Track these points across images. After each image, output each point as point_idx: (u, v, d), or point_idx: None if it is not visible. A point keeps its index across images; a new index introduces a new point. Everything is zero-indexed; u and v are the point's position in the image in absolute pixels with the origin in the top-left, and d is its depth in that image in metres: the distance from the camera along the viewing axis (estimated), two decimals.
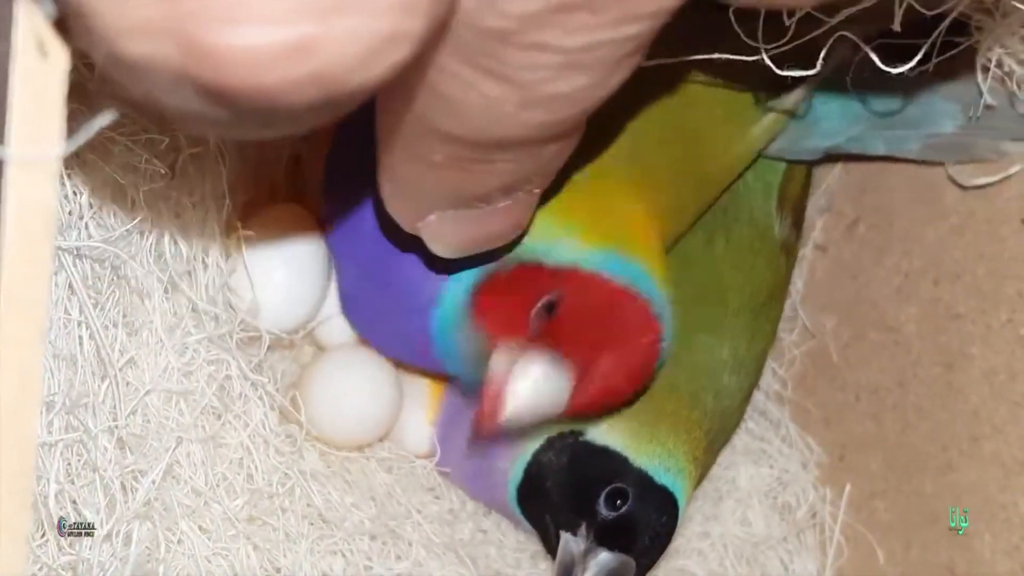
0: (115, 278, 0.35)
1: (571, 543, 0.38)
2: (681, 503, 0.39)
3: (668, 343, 0.36)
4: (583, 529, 0.38)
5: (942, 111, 0.42)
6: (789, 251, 0.45)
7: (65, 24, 0.21)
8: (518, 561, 0.44)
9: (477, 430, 0.34)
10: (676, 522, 0.39)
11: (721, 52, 0.32)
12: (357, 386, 0.41)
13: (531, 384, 0.33)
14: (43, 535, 0.34)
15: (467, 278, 0.35)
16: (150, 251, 0.35)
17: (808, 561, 0.47)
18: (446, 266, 0.35)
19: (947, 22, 0.32)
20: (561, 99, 0.23)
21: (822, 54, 0.31)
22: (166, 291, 0.36)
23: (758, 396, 0.50)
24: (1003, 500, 0.41)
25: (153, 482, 0.35)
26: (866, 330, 0.48)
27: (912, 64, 0.32)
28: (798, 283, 0.51)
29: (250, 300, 0.38)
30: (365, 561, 0.40)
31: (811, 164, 0.47)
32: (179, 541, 0.36)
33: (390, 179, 0.28)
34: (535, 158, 0.26)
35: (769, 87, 0.40)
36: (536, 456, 0.39)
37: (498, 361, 0.34)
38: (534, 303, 0.34)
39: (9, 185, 0.21)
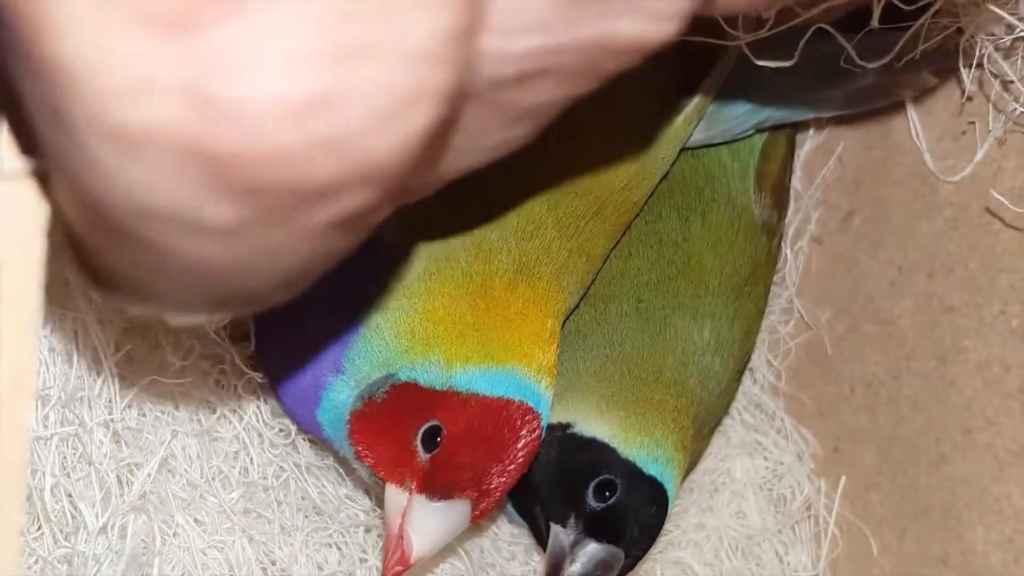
0: None
1: (561, 535, 0.39)
2: (670, 493, 0.39)
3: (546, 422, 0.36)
4: (572, 521, 0.38)
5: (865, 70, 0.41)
6: (771, 231, 0.45)
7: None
8: (512, 554, 0.44)
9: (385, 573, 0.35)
10: (665, 512, 0.39)
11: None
12: None
13: (430, 530, 0.34)
14: (39, 528, 0.34)
15: (341, 403, 0.35)
16: None
17: (803, 553, 0.48)
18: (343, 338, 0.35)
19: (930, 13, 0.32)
20: (495, 148, 0.23)
21: (800, 44, 0.31)
22: None
23: (753, 388, 0.50)
24: (996, 492, 0.41)
25: (148, 475, 0.35)
26: (861, 323, 0.48)
27: (890, 57, 0.32)
28: (793, 275, 0.51)
29: None
30: (360, 553, 0.40)
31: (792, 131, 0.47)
32: (175, 534, 0.36)
33: None
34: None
35: (670, 94, 0.40)
36: None
37: (391, 509, 0.35)
38: (413, 429, 0.35)
39: (1, 183, 0.21)
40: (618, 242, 0.40)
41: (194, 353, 0.37)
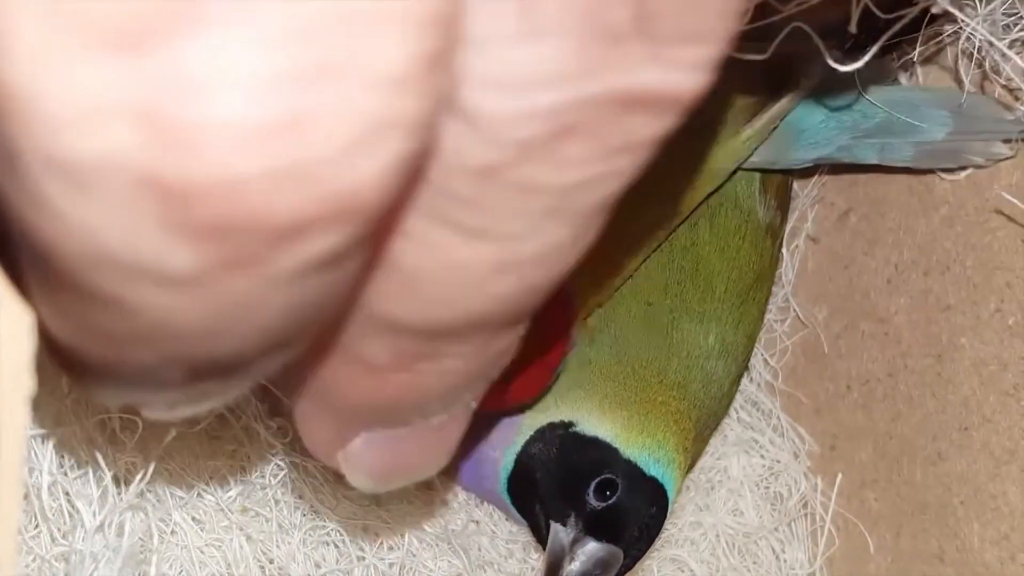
0: None
1: (560, 533, 0.39)
2: (671, 494, 0.39)
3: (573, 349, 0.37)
4: (572, 519, 0.39)
5: (930, 118, 0.42)
6: (774, 234, 0.45)
7: None
8: (510, 551, 0.44)
9: None
10: (665, 513, 0.39)
11: None
12: None
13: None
14: (36, 526, 0.34)
15: None
16: None
17: (799, 550, 0.48)
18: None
19: (914, 13, 0.32)
20: (537, 260, 0.20)
21: (776, 41, 0.31)
22: None
23: (749, 387, 0.50)
24: (993, 490, 0.41)
25: (146, 473, 0.35)
26: (857, 321, 0.48)
27: (865, 60, 0.32)
28: (790, 274, 0.51)
29: None
30: (358, 552, 0.40)
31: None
32: (172, 532, 0.36)
33: (312, 395, 0.23)
34: (485, 351, 0.22)
35: (744, 107, 0.40)
36: (526, 447, 0.40)
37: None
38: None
39: None
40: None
41: None
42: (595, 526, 0.38)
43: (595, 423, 0.39)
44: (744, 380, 0.49)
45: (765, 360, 0.51)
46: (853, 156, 0.44)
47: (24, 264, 0.18)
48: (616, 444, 0.39)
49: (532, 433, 0.40)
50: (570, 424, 0.39)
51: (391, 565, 0.40)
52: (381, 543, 0.41)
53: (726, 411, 0.46)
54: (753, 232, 0.44)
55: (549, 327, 0.35)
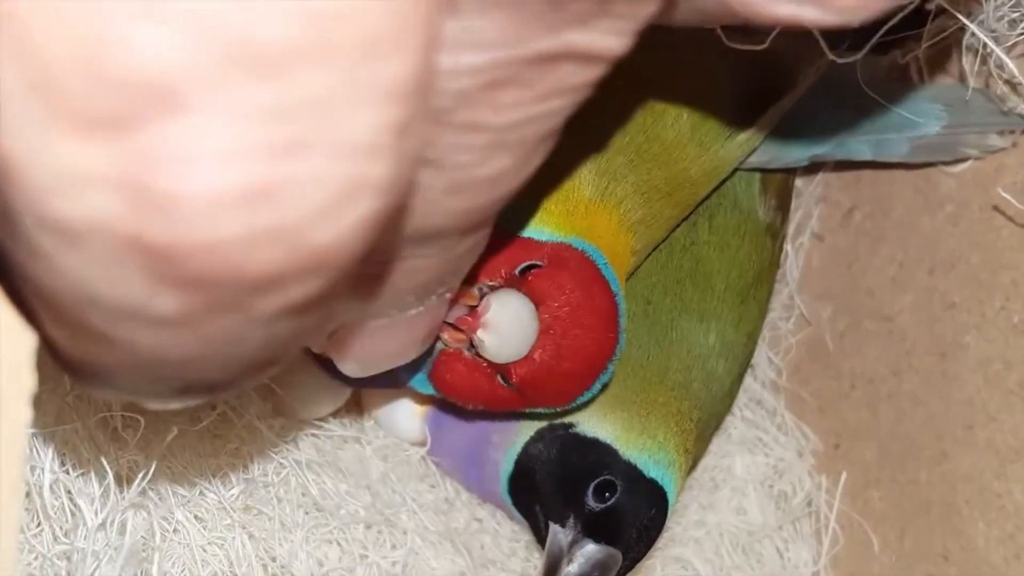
0: None
1: (559, 534, 0.39)
2: (671, 496, 0.39)
3: (619, 351, 0.37)
4: (571, 520, 0.38)
5: (925, 112, 0.42)
6: (775, 234, 0.45)
7: None
8: (513, 550, 0.44)
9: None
10: (665, 515, 0.39)
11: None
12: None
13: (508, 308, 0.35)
14: (38, 525, 0.34)
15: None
16: None
17: (803, 549, 0.47)
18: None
19: (906, 11, 0.32)
20: (485, 183, 0.23)
21: (771, 35, 0.32)
22: None
23: (753, 385, 0.50)
24: (997, 488, 0.41)
25: (148, 472, 0.35)
26: (862, 319, 0.48)
27: (864, 52, 0.32)
28: (795, 272, 0.51)
29: None
30: (360, 550, 0.40)
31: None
32: (174, 530, 0.36)
33: None
34: (451, 253, 0.26)
35: (740, 106, 0.40)
36: (527, 447, 0.39)
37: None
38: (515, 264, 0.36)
39: None
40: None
41: None
42: (594, 528, 0.38)
43: (595, 424, 0.39)
44: (748, 378, 0.49)
45: (769, 358, 0.51)
46: (848, 152, 0.44)
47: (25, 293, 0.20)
48: (616, 445, 0.39)
49: (532, 434, 0.39)
50: (570, 425, 0.39)
51: (394, 564, 0.40)
52: (384, 541, 0.41)
53: (728, 410, 0.46)
54: (753, 231, 0.44)
55: (593, 335, 0.35)
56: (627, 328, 0.38)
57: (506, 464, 0.40)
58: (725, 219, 0.43)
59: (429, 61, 0.17)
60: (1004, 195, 0.40)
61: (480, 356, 0.35)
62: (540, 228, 0.36)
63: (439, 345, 0.35)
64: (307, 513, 0.39)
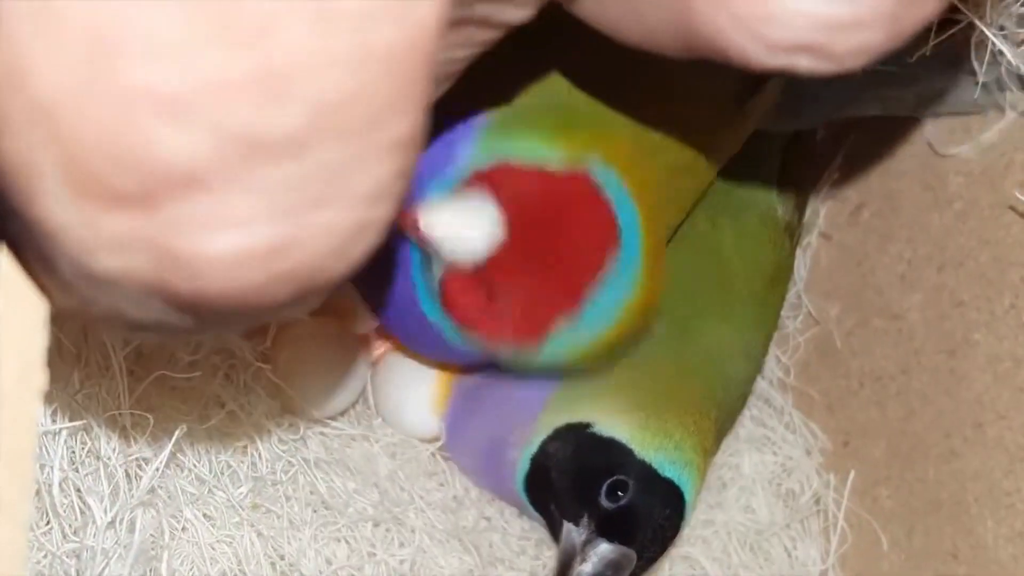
0: None
1: (573, 533, 0.38)
2: (688, 496, 0.39)
3: (626, 260, 0.35)
4: (585, 520, 0.38)
5: (929, 66, 0.41)
6: (792, 232, 0.45)
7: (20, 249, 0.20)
8: (522, 548, 0.44)
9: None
10: (682, 515, 0.39)
11: None
12: (325, 356, 0.41)
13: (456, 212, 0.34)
14: (47, 523, 0.34)
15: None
16: None
17: (812, 548, 0.47)
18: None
19: None
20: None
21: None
22: None
23: (761, 383, 0.50)
24: (1006, 486, 0.41)
25: (157, 470, 0.35)
26: (870, 317, 0.48)
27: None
28: (802, 270, 0.51)
29: None
30: (368, 548, 0.40)
31: (813, 133, 0.47)
32: (183, 528, 0.36)
33: None
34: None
35: (746, 81, 0.40)
36: (544, 446, 0.39)
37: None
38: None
39: None
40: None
41: (204, 348, 0.37)
42: (608, 527, 0.38)
43: (612, 424, 0.39)
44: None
45: (777, 357, 0.50)
46: (859, 109, 0.44)
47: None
48: (631, 445, 0.39)
49: (550, 432, 0.39)
50: (588, 425, 0.39)
51: (402, 562, 0.40)
52: (392, 539, 0.41)
53: (740, 412, 0.45)
54: (772, 230, 0.43)
55: (573, 235, 0.34)
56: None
57: (523, 463, 0.40)
58: (747, 221, 0.43)
59: (427, 107, 0.20)
60: (1013, 193, 0.40)
61: (478, 276, 0.34)
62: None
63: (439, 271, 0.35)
64: (315, 511, 0.39)
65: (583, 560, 0.38)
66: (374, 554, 0.40)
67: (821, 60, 0.23)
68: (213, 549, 0.37)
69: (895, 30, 0.23)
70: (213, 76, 0.17)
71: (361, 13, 0.17)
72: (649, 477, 0.38)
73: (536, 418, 0.40)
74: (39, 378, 0.22)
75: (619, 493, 0.38)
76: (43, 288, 0.21)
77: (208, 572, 0.36)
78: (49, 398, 0.33)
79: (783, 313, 0.50)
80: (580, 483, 0.39)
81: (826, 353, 0.49)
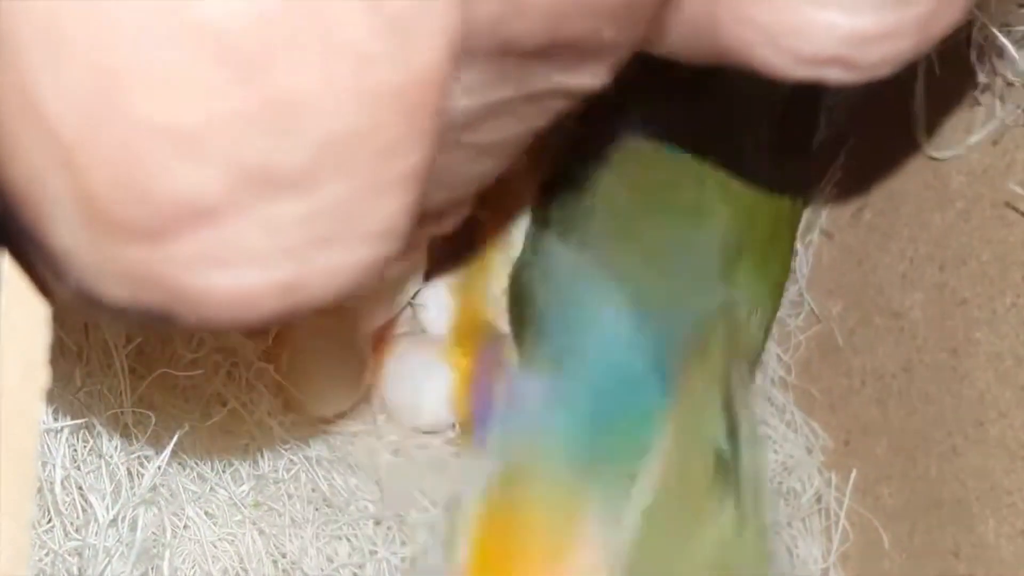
0: None
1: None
2: None
3: None
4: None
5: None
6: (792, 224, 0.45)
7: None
8: None
9: None
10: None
11: None
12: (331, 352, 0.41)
13: None
14: (49, 521, 0.34)
15: None
16: None
17: (813, 546, 0.47)
18: None
19: None
20: (469, 180, 0.27)
21: None
22: None
23: (763, 382, 0.50)
24: (1008, 485, 0.41)
25: (159, 468, 0.35)
26: (872, 315, 0.48)
27: None
28: (804, 268, 0.51)
29: None
30: (370, 546, 0.40)
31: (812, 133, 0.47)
32: (185, 526, 0.36)
33: None
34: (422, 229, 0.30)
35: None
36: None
37: None
38: None
39: None
40: None
41: (205, 346, 0.37)
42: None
43: None
44: (757, 375, 0.49)
45: (778, 355, 0.50)
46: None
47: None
48: None
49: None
50: None
51: (403, 560, 0.40)
52: (394, 537, 0.41)
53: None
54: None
55: None
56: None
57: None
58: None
59: (436, 140, 0.20)
60: (1016, 190, 0.40)
61: None
62: None
63: None
64: (317, 509, 0.39)
65: None
66: (375, 552, 0.40)
67: (850, 71, 0.23)
68: (215, 547, 0.37)
69: (924, 37, 0.23)
70: (222, 109, 0.17)
71: (368, 49, 0.17)
72: None
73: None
74: (42, 377, 0.23)
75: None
76: (44, 288, 0.22)
77: (210, 570, 0.36)
78: (51, 396, 0.33)
79: (785, 311, 0.50)
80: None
81: (827, 351, 0.49)
